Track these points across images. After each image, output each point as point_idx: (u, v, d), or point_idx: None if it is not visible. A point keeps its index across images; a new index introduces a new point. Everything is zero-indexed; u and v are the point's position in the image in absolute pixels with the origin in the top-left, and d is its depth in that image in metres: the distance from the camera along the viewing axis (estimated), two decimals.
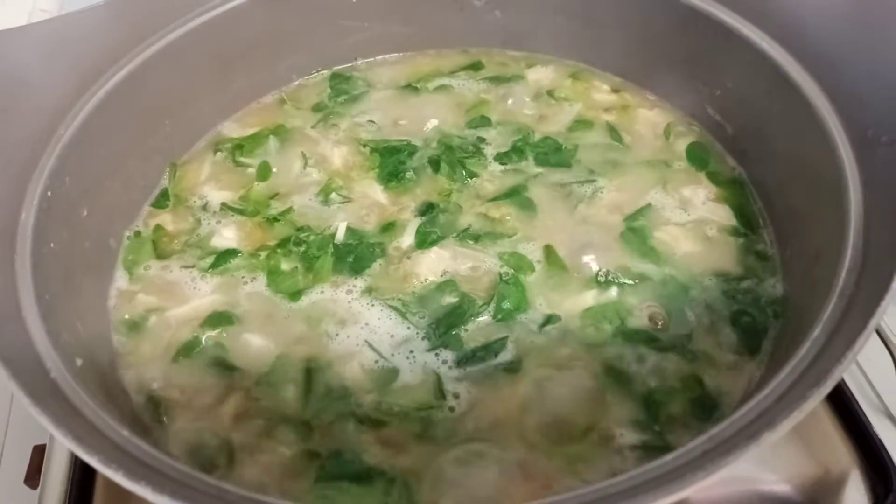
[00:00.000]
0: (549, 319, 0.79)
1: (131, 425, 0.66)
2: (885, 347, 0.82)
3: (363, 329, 0.79)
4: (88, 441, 0.55)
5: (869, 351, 0.56)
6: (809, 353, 0.57)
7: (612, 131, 0.98)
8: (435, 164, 0.95)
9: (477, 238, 0.86)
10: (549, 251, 0.85)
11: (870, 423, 0.78)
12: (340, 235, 0.87)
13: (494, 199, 0.91)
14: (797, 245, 0.81)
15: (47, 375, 0.62)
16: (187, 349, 0.79)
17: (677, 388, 0.74)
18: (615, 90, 1.05)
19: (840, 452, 0.77)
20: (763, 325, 0.79)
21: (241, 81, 1.03)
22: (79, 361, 0.68)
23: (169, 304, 0.84)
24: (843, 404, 0.79)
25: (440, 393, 0.74)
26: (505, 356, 0.77)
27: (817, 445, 0.77)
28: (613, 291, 0.81)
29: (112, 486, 0.55)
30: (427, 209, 0.90)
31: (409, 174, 0.94)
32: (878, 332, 0.80)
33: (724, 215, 0.89)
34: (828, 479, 0.76)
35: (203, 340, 0.80)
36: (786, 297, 0.81)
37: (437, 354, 0.77)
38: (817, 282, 0.68)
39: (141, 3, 0.88)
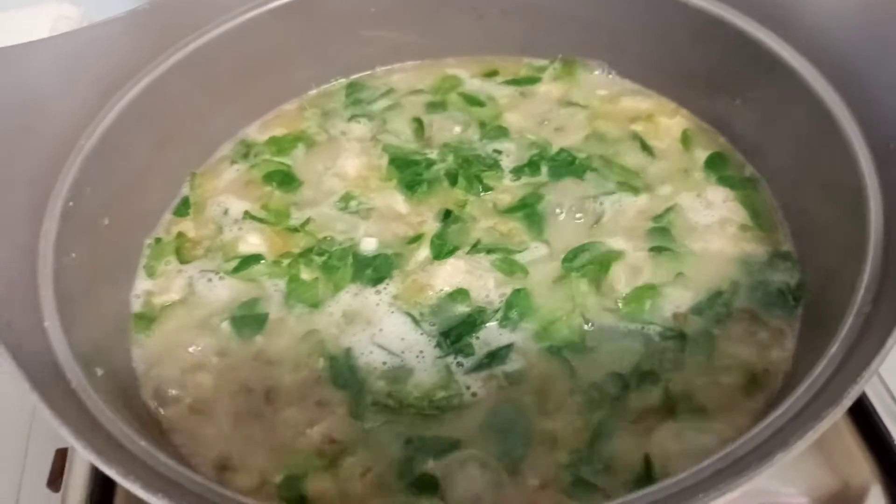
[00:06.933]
0: (555, 327, 0.79)
1: (150, 433, 0.68)
2: None
3: (378, 334, 0.80)
4: (107, 453, 0.56)
5: (890, 362, 0.56)
6: (826, 371, 0.56)
7: (636, 139, 0.98)
8: (452, 176, 0.94)
9: (490, 251, 0.86)
10: (560, 261, 0.85)
11: (891, 436, 0.77)
12: (369, 248, 0.88)
13: (507, 211, 0.91)
14: (816, 253, 0.81)
15: (68, 386, 0.64)
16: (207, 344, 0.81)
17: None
18: (635, 97, 1.03)
19: (860, 465, 0.76)
20: (787, 318, 0.79)
21: (260, 90, 1.03)
22: (99, 371, 0.69)
23: (190, 305, 0.85)
24: (863, 416, 0.78)
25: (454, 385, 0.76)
26: (513, 365, 0.77)
27: (837, 458, 0.76)
28: (631, 296, 0.81)
29: None
30: (446, 215, 0.90)
31: (424, 186, 0.94)
32: None
33: (743, 214, 0.89)
34: (848, 492, 0.75)
35: (221, 339, 0.82)
36: (803, 286, 0.81)
37: (454, 357, 0.78)
38: (837, 293, 0.67)
39: (160, 14, 0.89)
